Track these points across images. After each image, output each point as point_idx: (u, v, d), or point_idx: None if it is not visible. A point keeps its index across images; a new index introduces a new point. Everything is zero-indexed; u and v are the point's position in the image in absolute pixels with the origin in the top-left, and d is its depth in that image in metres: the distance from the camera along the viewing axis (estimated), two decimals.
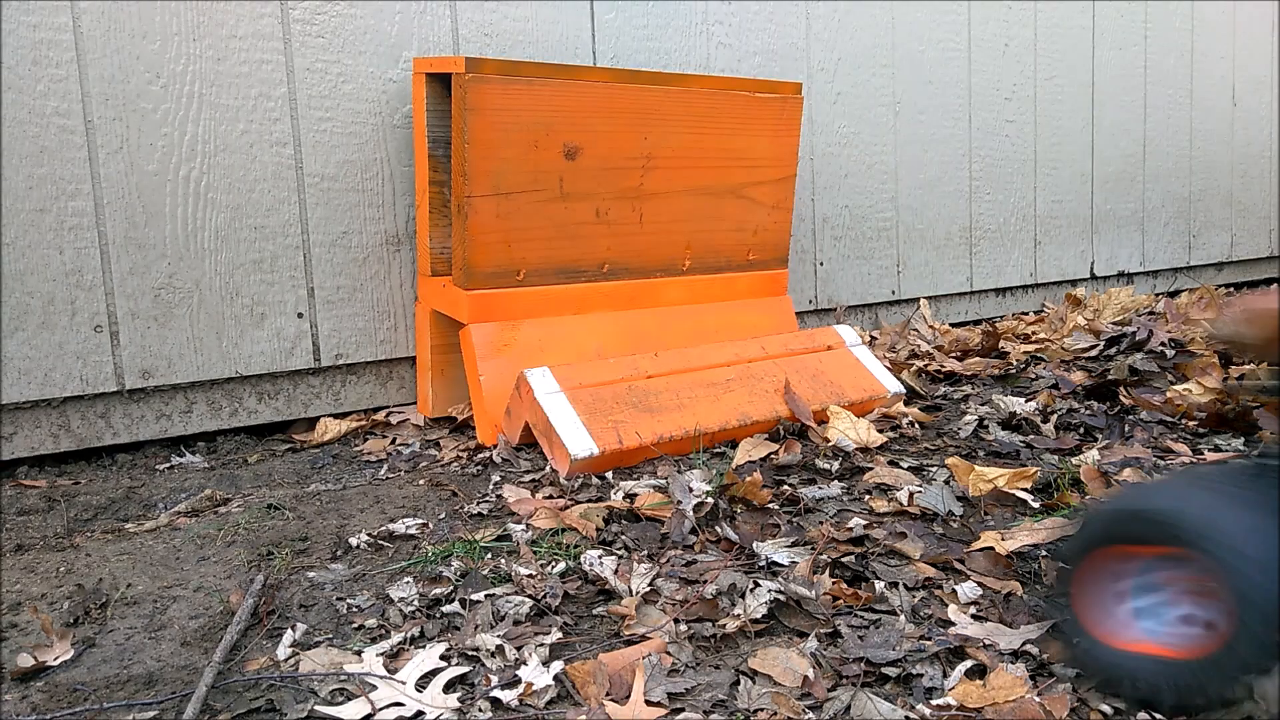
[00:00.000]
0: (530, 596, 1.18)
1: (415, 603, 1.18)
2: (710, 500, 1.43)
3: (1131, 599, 0.94)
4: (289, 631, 1.12)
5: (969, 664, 1.02)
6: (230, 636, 1.09)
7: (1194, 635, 0.88)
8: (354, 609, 1.18)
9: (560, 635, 1.10)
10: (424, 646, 1.09)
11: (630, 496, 1.49)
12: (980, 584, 1.19)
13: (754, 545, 1.29)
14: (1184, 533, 0.89)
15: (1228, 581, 0.85)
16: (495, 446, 1.75)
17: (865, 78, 2.66)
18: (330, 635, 1.13)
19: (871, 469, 1.59)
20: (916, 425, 1.85)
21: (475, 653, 1.07)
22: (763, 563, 1.25)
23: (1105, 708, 0.94)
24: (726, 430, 1.74)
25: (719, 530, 1.35)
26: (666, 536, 1.35)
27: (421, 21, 1.97)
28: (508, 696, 0.98)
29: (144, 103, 1.73)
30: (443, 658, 1.06)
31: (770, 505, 1.43)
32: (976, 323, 2.95)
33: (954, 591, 1.18)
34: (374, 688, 1.00)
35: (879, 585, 1.19)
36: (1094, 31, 3.17)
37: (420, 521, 1.44)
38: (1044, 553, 1.27)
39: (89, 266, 1.71)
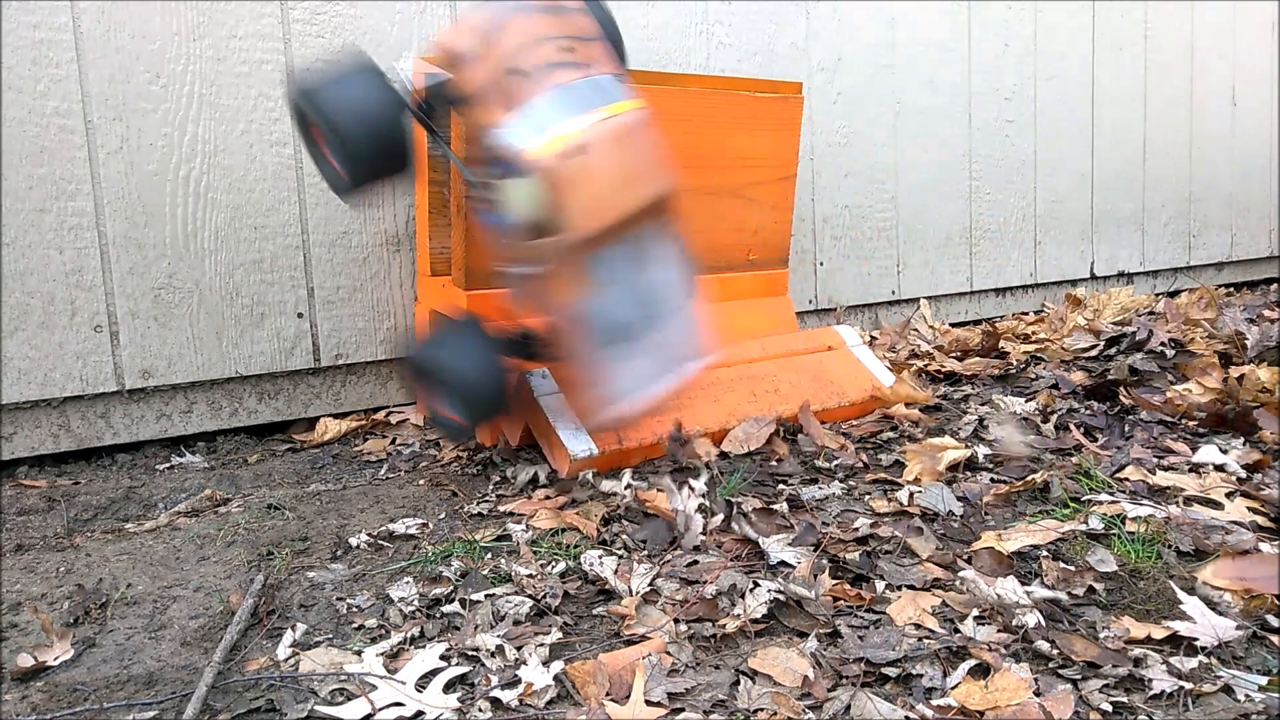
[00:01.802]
0: (530, 596, 1.18)
1: (415, 603, 1.18)
2: (707, 501, 1.43)
3: None
4: (289, 631, 1.12)
5: (971, 663, 1.02)
6: (230, 636, 1.09)
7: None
8: (354, 609, 1.18)
9: (560, 635, 1.10)
10: (424, 646, 1.08)
11: (630, 497, 1.49)
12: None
13: (763, 542, 1.28)
14: None
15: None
16: (495, 446, 1.75)
17: (865, 78, 2.66)
18: (330, 635, 1.13)
19: (870, 468, 1.59)
20: (917, 425, 1.85)
21: (475, 653, 1.07)
22: (773, 562, 1.25)
23: (1106, 706, 0.94)
24: (726, 431, 1.73)
25: (734, 527, 1.35)
26: (671, 536, 1.35)
27: (421, 21, 1.97)
28: (508, 696, 0.98)
29: (144, 103, 1.73)
30: (443, 658, 1.06)
31: (774, 506, 1.43)
32: (976, 323, 2.95)
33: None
34: (374, 688, 1.00)
35: (880, 585, 1.19)
36: (1094, 31, 3.17)
37: (420, 521, 1.44)
38: (1044, 553, 1.27)
39: (89, 266, 1.71)
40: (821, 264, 2.62)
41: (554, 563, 1.28)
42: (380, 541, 1.38)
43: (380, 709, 0.97)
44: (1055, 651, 1.04)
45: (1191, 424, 1.77)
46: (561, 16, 1.40)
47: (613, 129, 1.36)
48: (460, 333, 1.51)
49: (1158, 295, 3.23)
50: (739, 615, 1.12)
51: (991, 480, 1.54)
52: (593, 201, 1.35)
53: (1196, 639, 1.05)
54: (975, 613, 1.11)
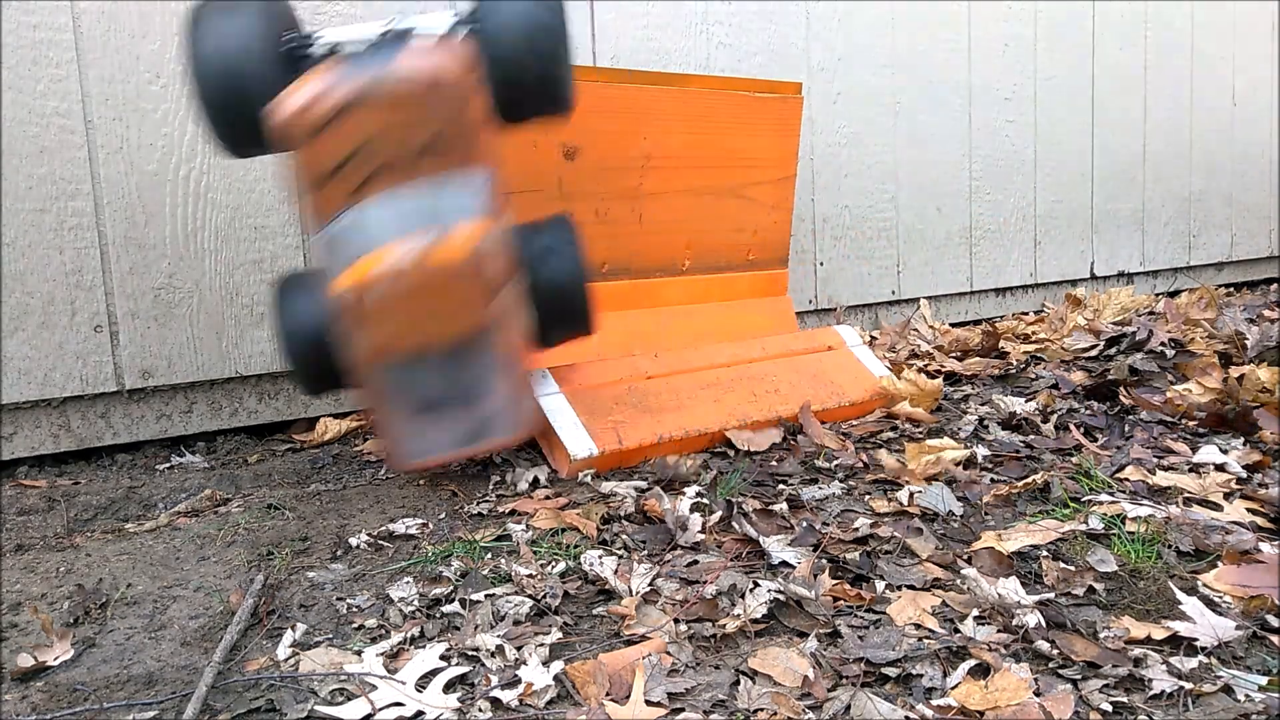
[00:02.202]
0: (530, 596, 1.18)
1: (415, 603, 1.18)
2: (704, 500, 1.43)
3: None
4: (289, 631, 1.12)
5: (971, 663, 1.02)
6: (230, 636, 1.09)
7: None
8: (354, 609, 1.18)
9: (560, 635, 1.10)
10: (424, 646, 1.08)
11: (630, 497, 1.49)
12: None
13: (763, 541, 1.28)
14: None
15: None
16: None
17: (865, 78, 2.66)
18: (330, 635, 1.13)
19: (870, 468, 1.59)
20: (918, 425, 1.85)
21: (475, 653, 1.07)
22: (774, 562, 1.25)
23: (1106, 706, 0.94)
24: (726, 430, 1.73)
25: (735, 526, 1.35)
26: (670, 537, 1.35)
27: None
28: (508, 696, 0.98)
29: (144, 103, 1.73)
30: (443, 658, 1.06)
31: (774, 507, 1.43)
32: (976, 323, 2.95)
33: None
34: (374, 688, 1.00)
35: (880, 585, 1.19)
36: (1094, 31, 3.17)
37: (420, 521, 1.44)
38: (1044, 553, 1.27)
39: (89, 266, 1.71)
40: (821, 264, 2.62)
41: (554, 563, 1.28)
42: (380, 541, 1.38)
43: (380, 709, 0.97)
44: (1055, 651, 1.04)
45: (1191, 424, 1.77)
46: (433, 97, 1.23)
47: (420, 267, 1.26)
48: (299, 287, 1.42)
49: (1158, 295, 3.23)
50: (739, 615, 1.12)
51: (991, 480, 1.54)
52: (379, 337, 1.32)
53: (1196, 639, 1.05)
54: (975, 613, 1.11)
